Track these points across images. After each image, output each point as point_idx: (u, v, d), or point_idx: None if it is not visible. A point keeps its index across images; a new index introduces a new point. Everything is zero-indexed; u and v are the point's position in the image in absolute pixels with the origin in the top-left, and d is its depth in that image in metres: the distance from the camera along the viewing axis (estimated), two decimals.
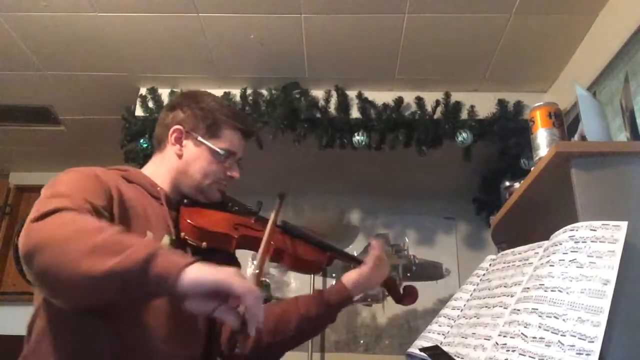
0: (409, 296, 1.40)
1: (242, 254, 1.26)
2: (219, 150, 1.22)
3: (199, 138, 1.22)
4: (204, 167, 1.21)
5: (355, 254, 1.58)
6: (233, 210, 1.26)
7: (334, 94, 2.62)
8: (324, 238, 1.34)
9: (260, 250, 1.10)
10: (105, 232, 0.85)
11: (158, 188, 1.19)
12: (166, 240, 1.11)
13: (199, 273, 0.81)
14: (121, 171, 1.18)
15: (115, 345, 0.98)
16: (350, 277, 1.27)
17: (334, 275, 2.34)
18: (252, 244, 1.20)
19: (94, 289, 0.83)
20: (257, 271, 1.02)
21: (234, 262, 1.29)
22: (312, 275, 3.20)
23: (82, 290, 0.84)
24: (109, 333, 0.98)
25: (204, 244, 1.14)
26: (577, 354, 0.73)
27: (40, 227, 0.86)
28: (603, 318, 0.74)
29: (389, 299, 1.45)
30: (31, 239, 0.85)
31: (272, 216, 1.19)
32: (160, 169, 1.24)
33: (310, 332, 1.28)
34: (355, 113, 2.61)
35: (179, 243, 1.14)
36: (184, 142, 1.23)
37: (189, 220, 1.15)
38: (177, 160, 1.22)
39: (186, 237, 1.15)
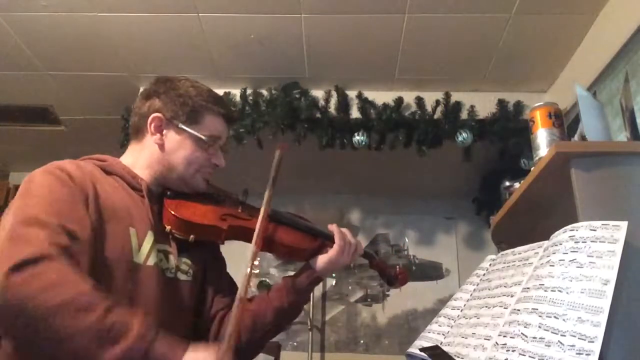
0: (399, 278, 1.37)
1: (241, 253, 1.26)
2: (202, 137, 1.16)
3: (180, 125, 1.16)
4: (187, 155, 1.16)
5: None
6: (219, 201, 1.21)
7: (334, 94, 2.62)
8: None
9: (252, 248, 1.08)
10: (99, 309, 0.85)
11: (139, 179, 1.14)
12: (150, 237, 1.07)
13: None
14: (98, 161, 1.14)
15: None
16: (318, 262, 1.24)
17: None
18: (242, 234, 1.16)
19: None
20: (247, 271, 1.05)
21: (218, 259, 1.28)
22: None
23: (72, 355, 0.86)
24: None
25: (192, 237, 1.11)
26: (577, 354, 0.73)
27: (22, 283, 0.83)
28: (603, 318, 0.74)
29: (389, 299, 1.44)
30: (11, 296, 0.82)
31: (261, 214, 1.15)
32: (140, 160, 1.18)
33: (287, 321, 1.26)
34: (355, 113, 2.61)
35: (163, 237, 1.11)
36: (164, 130, 1.17)
37: (173, 213, 1.10)
38: (158, 150, 1.16)
39: (173, 231, 1.11)
